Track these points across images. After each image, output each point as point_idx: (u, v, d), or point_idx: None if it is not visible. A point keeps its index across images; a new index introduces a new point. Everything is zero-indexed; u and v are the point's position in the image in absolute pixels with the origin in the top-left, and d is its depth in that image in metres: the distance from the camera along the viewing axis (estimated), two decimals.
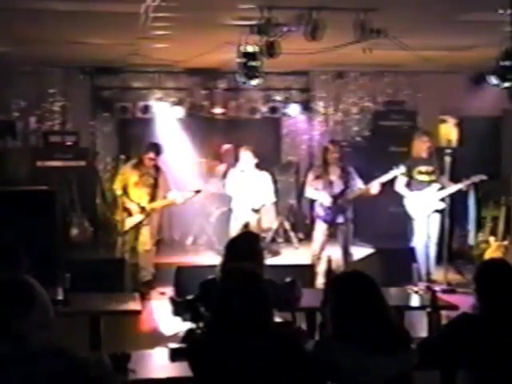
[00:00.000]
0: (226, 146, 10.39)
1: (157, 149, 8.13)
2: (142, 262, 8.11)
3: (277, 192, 10.48)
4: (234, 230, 8.52)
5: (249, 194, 8.61)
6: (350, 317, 3.11)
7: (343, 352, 3.06)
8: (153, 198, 8.05)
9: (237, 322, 2.98)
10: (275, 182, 10.28)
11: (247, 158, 8.73)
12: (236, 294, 3.03)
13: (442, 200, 8.08)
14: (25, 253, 3.95)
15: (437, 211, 8.12)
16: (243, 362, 2.93)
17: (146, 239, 8.10)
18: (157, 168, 8.12)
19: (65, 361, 2.61)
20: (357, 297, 3.14)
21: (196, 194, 8.35)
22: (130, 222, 8.03)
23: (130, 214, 8.02)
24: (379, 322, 3.11)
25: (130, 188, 8.03)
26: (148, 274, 8.21)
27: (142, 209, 8.00)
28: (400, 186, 8.16)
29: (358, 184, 7.88)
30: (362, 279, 3.23)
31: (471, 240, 9.83)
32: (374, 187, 7.74)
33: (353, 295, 3.15)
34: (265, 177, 8.82)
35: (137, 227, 8.03)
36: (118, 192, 8.09)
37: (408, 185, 8.16)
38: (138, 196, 8.02)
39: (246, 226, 8.46)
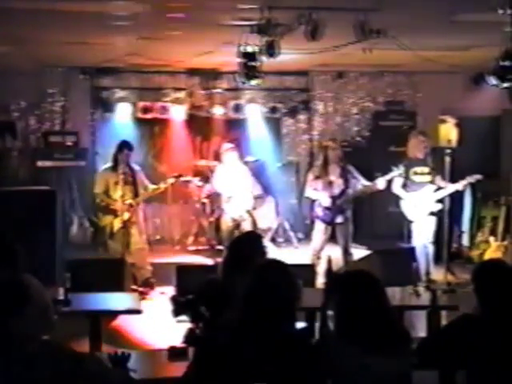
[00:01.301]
0: (227, 146, 10.39)
1: (129, 146, 8.26)
2: (137, 262, 8.17)
3: (275, 192, 10.51)
4: (226, 228, 8.55)
5: (235, 192, 8.64)
6: (353, 316, 3.11)
7: (344, 351, 3.06)
8: (136, 194, 8.16)
9: (265, 321, 2.98)
10: (276, 182, 10.31)
11: (231, 157, 8.79)
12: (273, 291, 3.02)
13: (440, 201, 8.08)
14: (24, 253, 3.94)
15: (433, 212, 8.12)
16: (263, 359, 2.92)
17: (136, 238, 8.16)
18: (130, 166, 8.22)
19: (64, 359, 2.61)
20: (361, 296, 3.14)
21: (178, 179, 8.53)
22: (118, 222, 8.06)
23: (116, 215, 8.06)
24: (381, 322, 3.11)
25: (111, 190, 8.10)
26: (146, 272, 8.25)
27: (129, 206, 8.06)
28: (396, 188, 8.15)
29: (361, 181, 7.87)
30: (367, 278, 3.23)
31: (465, 241, 9.83)
32: (380, 184, 7.73)
33: (357, 294, 3.15)
34: (243, 171, 8.87)
35: (126, 227, 8.06)
36: (102, 196, 8.14)
37: (404, 186, 8.16)
38: (123, 194, 8.08)
39: (238, 226, 8.48)
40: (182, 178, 8.88)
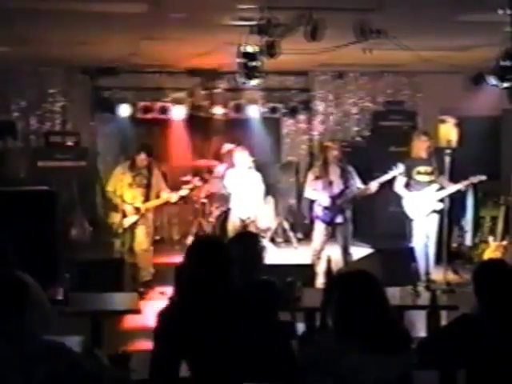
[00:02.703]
0: (227, 147, 10.40)
1: (148, 149, 8.18)
2: (140, 262, 8.14)
3: (275, 192, 10.53)
4: (233, 229, 8.55)
5: (245, 193, 8.65)
6: (352, 316, 3.11)
7: (343, 352, 3.06)
8: (147, 199, 8.08)
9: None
10: (276, 182, 10.34)
11: (243, 158, 8.76)
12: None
13: (441, 200, 8.09)
14: (16, 253, 3.94)
15: (435, 211, 8.12)
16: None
17: (142, 239, 8.13)
18: (149, 168, 8.16)
19: (63, 359, 2.61)
20: (360, 296, 3.14)
21: (191, 192, 8.42)
22: (125, 223, 8.05)
23: (124, 215, 8.04)
24: (381, 322, 3.11)
25: (124, 189, 8.06)
26: (148, 274, 8.23)
27: (137, 209, 8.03)
28: (399, 187, 8.16)
29: (357, 184, 7.89)
30: (366, 278, 3.23)
31: (468, 241, 9.83)
32: (373, 187, 7.75)
33: (356, 294, 3.15)
34: (256, 177, 8.84)
35: (132, 228, 8.05)
36: (112, 194, 8.12)
37: (407, 185, 8.16)
38: (133, 196, 8.05)
39: (245, 226, 8.49)
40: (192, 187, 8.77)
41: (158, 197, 8.13)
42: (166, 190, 8.21)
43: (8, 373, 2.53)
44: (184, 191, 8.25)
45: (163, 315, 3.26)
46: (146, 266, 8.22)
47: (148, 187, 8.07)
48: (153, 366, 3.20)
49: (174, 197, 8.18)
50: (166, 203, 8.50)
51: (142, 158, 8.05)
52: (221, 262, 3.28)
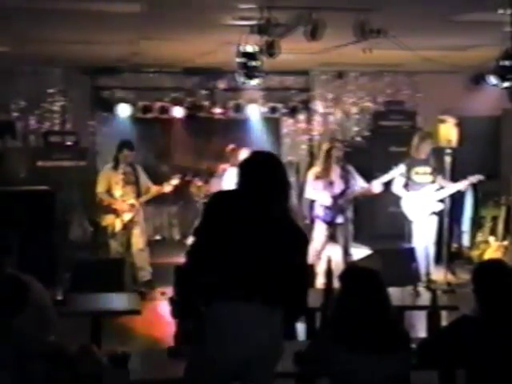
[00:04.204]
0: (231, 146, 10.39)
1: (129, 145, 8.27)
2: (138, 262, 8.18)
3: None
4: None
5: None
6: (352, 315, 3.11)
7: (343, 351, 3.06)
8: (138, 195, 8.17)
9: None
10: None
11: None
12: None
13: (441, 201, 8.08)
14: (16, 252, 3.93)
15: (434, 212, 8.12)
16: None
17: (137, 239, 8.17)
18: (132, 166, 8.23)
19: (61, 359, 2.61)
20: (362, 294, 3.14)
21: (182, 180, 8.55)
22: (120, 222, 8.07)
23: (118, 215, 8.07)
24: (381, 322, 3.11)
25: (114, 189, 8.12)
26: (147, 274, 8.25)
27: (132, 206, 8.07)
28: (397, 187, 8.15)
29: (359, 183, 7.88)
30: (372, 277, 3.23)
31: (466, 241, 9.84)
32: (376, 186, 7.73)
33: (358, 292, 3.15)
34: None
35: (128, 227, 8.07)
36: (103, 195, 8.16)
37: (405, 186, 8.15)
38: (125, 194, 8.10)
39: None
40: (185, 179, 8.90)
41: (148, 192, 8.21)
42: (152, 185, 8.33)
43: (6, 372, 2.53)
44: (175, 181, 8.35)
45: (219, 192, 3.65)
46: (144, 265, 8.25)
47: (137, 184, 8.16)
48: (194, 238, 3.41)
49: (167, 187, 8.24)
50: (162, 195, 8.58)
51: (125, 154, 8.16)
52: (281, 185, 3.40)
